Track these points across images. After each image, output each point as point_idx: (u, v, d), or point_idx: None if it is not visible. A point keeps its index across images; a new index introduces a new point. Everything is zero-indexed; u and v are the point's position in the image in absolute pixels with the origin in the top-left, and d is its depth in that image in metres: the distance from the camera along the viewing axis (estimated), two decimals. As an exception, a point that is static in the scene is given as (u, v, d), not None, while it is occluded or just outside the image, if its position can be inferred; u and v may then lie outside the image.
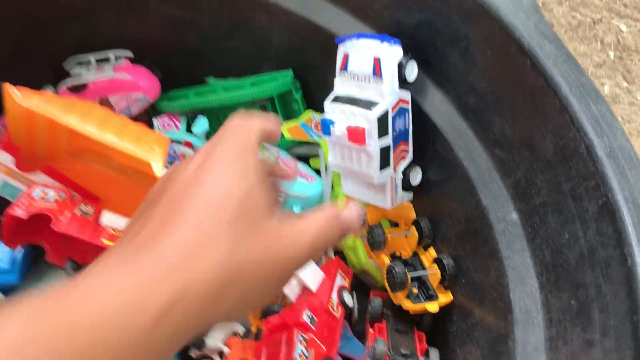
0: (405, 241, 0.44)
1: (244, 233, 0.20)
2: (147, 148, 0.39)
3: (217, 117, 0.56)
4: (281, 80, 0.53)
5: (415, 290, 0.41)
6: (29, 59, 0.52)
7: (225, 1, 0.50)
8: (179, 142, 0.53)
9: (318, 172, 0.54)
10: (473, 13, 0.37)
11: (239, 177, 0.21)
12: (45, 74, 0.54)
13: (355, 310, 0.44)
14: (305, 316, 0.39)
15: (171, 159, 0.53)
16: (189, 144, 0.52)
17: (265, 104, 0.54)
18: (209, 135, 0.54)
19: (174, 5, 0.51)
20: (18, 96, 0.40)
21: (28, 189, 0.42)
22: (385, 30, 0.43)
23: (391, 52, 0.38)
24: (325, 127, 0.38)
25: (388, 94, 0.38)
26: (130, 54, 0.53)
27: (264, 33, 0.53)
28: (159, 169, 0.38)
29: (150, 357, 0.17)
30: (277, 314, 0.40)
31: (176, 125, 0.54)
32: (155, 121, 0.54)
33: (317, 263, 0.45)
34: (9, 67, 0.50)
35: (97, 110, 0.41)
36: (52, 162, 0.45)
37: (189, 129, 0.55)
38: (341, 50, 0.41)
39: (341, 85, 0.41)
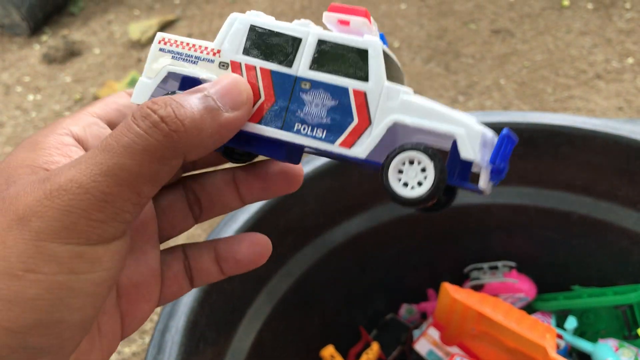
0: None
1: None
2: (540, 336, 0.55)
3: (580, 317, 0.69)
4: (641, 291, 0.64)
5: None
6: (439, 264, 0.77)
7: (596, 228, 0.66)
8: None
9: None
10: None
11: None
12: (447, 275, 0.77)
13: None
14: None
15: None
16: (559, 336, 0.66)
17: (625, 310, 0.65)
18: (576, 331, 0.67)
19: (551, 229, 0.70)
20: (451, 290, 0.62)
21: (450, 357, 0.62)
22: None
23: None
24: None
25: None
26: (514, 264, 0.72)
27: (624, 253, 0.66)
28: (553, 353, 0.53)
29: None
30: None
31: (547, 321, 0.69)
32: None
33: None
34: (430, 267, 0.75)
35: (502, 303, 0.60)
36: (461, 340, 0.65)
37: (557, 325, 0.69)
38: None
39: None
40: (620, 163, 0.63)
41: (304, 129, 0.24)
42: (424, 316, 0.76)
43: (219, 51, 0.25)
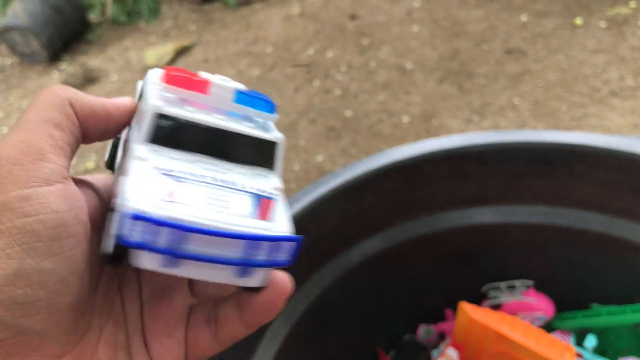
0: None
1: None
2: (559, 354, 0.55)
3: (600, 335, 0.69)
4: (661, 309, 0.63)
5: None
6: (456, 284, 0.76)
7: (613, 246, 0.66)
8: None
9: None
10: None
11: None
12: (465, 295, 0.77)
13: None
14: None
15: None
16: (579, 355, 0.66)
17: (646, 328, 0.65)
18: (596, 349, 0.67)
19: (568, 247, 0.70)
20: (469, 310, 0.62)
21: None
22: None
23: None
24: None
25: None
26: (531, 283, 0.72)
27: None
28: (571, 369, 0.52)
29: None
30: None
31: (567, 340, 0.69)
32: (549, 335, 0.70)
33: None
34: (447, 287, 0.75)
35: (520, 322, 0.60)
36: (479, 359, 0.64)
37: (577, 343, 0.68)
38: None
39: None
40: (635, 180, 0.64)
41: None
42: (442, 336, 0.76)
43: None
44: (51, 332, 0.22)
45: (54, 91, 0.25)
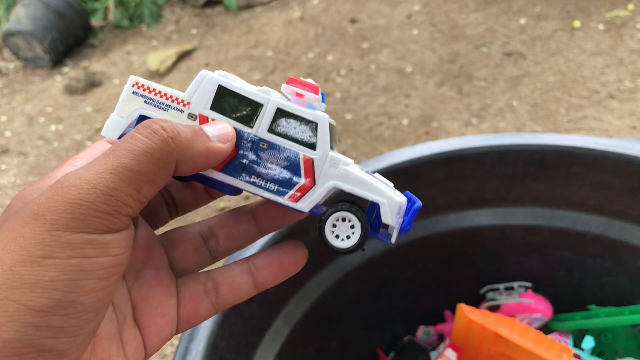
0: None
1: None
2: (557, 355, 0.55)
3: (598, 336, 0.69)
4: (659, 310, 0.64)
5: None
6: (455, 286, 0.77)
7: (611, 247, 0.67)
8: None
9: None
10: None
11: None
12: (463, 296, 0.78)
13: None
14: None
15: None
16: (577, 356, 0.66)
17: (643, 329, 0.65)
18: (594, 350, 0.67)
19: (566, 249, 0.70)
20: (467, 311, 0.62)
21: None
22: None
23: None
24: None
25: None
26: (529, 284, 0.72)
27: (639, 272, 0.66)
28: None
29: None
30: None
31: (565, 341, 0.69)
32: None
33: None
34: (446, 289, 0.76)
35: (518, 324, 0.60)
36: (477, 360, 0.65)
37: (575, 345, 0.69)
38: None
39: None
40: (632, 182, 0.64)
41: (259, 181, 0.27)
42: (441, 338, 0.77)
43: (188, 103, 0.28)
44: (71, 351, 0.23)
45: (165, 143, 0.23)
